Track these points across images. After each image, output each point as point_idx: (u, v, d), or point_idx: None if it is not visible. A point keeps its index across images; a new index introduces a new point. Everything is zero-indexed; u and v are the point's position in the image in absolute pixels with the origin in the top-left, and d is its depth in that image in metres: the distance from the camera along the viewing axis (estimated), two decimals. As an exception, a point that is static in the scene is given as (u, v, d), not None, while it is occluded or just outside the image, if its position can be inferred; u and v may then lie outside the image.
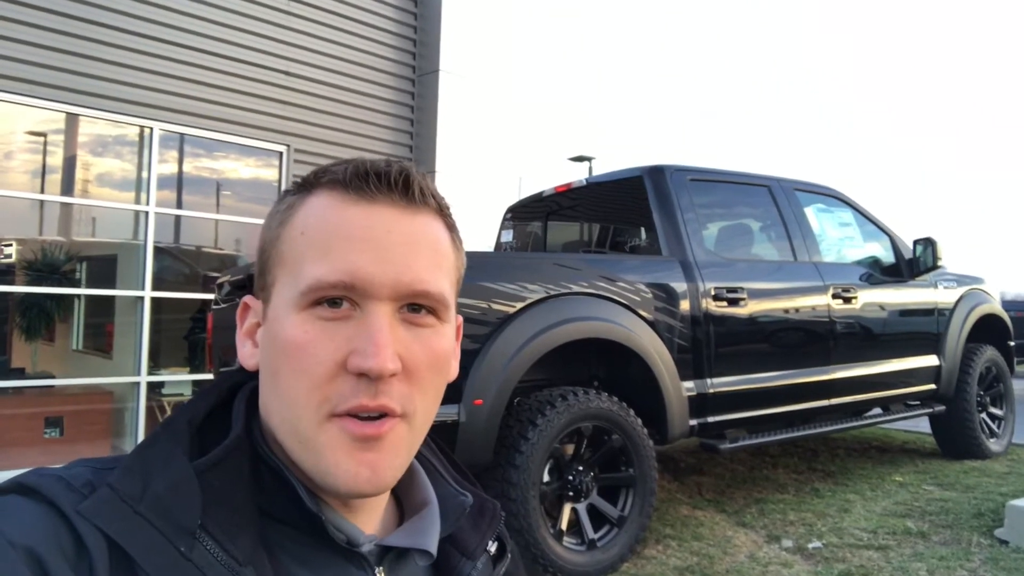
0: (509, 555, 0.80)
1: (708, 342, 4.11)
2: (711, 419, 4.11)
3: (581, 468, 3.67)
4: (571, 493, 3.63)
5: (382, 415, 0.62)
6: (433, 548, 0.69)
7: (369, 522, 0.70)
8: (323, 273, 0.62)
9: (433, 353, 0.66)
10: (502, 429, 3.45)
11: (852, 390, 4.76)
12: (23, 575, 0.51)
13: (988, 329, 5.92)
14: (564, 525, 3.58)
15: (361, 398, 0.61)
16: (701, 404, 4.07)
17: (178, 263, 7.12)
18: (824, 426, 4.80)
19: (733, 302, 4.21)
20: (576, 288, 3.71)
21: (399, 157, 7.77)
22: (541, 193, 5.23)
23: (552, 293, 3.63)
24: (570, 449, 3.69)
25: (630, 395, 3.87)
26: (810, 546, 3.80)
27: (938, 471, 5.35)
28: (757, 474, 5.39)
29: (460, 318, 0.76)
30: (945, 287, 5.55)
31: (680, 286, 4.07)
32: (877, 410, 5.36)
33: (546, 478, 3.57)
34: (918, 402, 5.48)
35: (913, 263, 5.22)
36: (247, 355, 0.71)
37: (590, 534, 3.60)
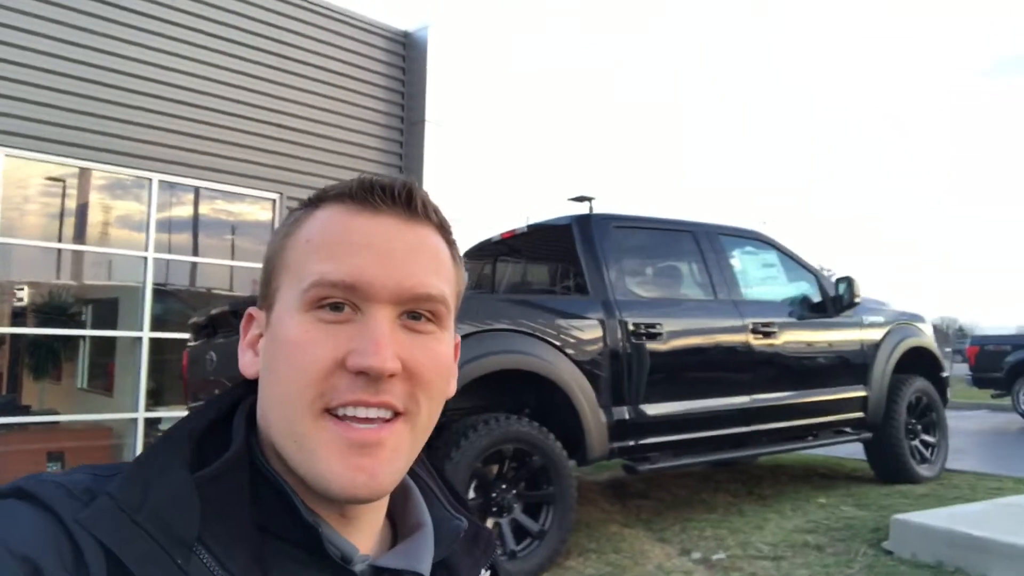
0: None
1: (627, 373, 4.55)
2: (631, 443, 4.54)
3: (504, 486, 4.11)
4: (495, 509, 4.07)
5: (382, 418, 0.64)
6: (426, 571, 0.69)
7: (364, 541, 0.69)
8: (327, 270, 0.64)
9: (436, 357, 0.67)
10: (429, 449, 3.90)
11: (772, 418, 5.16)
12: None
13: (920, 362, 6.31)
14: (487, 537, 4.01)
15: (359, 394, 0.62)
16: (621, 429, 4.50)
17: (177, 305, 7.63)
18: (750, 450, 5.23)
19: (651, 337, 4.66)
20: (499, 325, 4.20)
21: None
22: (491, 238, 5.74)
23: (478, 329, 4.12)
24: (494, 469, 4.15)
25: (555, 421, 4.32)
26: (714, 557, 4.20)
27: (863, 494, 5.71)
28: (695, 497, 5.78)
29: (458, 337, 0.76)
30: (871, 322, 5.96)
31: (600, 323, 4.53)
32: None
33: (471, 495, 4.02)
34: (850, 429, 5.86)
35: (836, 300, 5.64)
36: (248, 364, 0.71)
37: (511, 545, 4.03)
